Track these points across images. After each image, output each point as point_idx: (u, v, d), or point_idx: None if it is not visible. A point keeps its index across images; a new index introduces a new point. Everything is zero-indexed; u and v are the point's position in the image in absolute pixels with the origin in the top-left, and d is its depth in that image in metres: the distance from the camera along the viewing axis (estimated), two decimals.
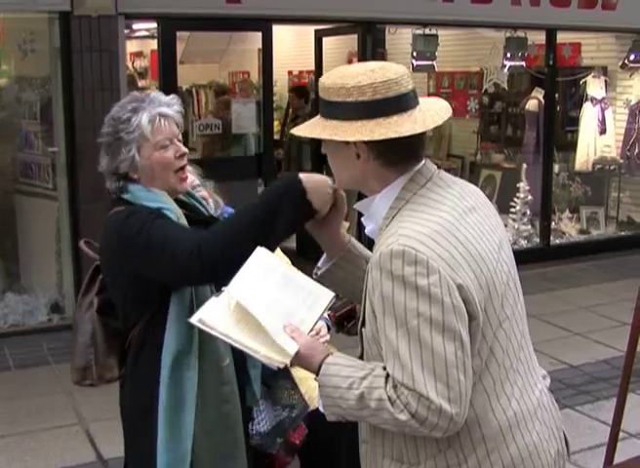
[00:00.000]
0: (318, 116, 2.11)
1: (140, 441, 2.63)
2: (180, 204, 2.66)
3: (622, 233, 10.49)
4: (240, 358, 2.60)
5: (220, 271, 2.31)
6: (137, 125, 2.53)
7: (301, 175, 2.28)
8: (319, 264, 2.35)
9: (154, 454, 2.53)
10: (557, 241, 10.04)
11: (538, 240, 9.80)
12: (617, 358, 5.99)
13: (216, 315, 2.06)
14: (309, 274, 2.31)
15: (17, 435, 5.08)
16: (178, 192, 2.65)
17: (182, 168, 2.62)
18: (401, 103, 2.00)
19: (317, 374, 2.01)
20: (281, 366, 2.02)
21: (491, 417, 1.98)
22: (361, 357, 2.09)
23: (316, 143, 9.62)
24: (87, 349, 2.67)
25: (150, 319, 2.55)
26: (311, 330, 2.13)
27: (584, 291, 8.37)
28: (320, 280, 2.30)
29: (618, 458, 3.93)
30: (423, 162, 2.07)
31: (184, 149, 2.63)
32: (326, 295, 2.18)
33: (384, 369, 1.91)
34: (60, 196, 7.23)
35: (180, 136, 2.65)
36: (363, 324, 2.07)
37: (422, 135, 2.03)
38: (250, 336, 2.03)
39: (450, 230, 1.94)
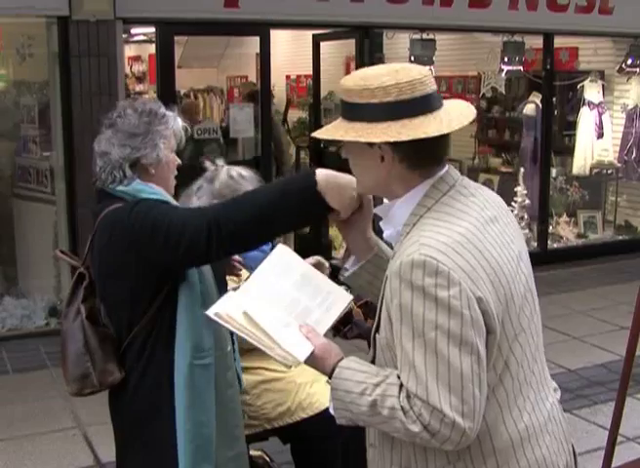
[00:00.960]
0: (340, 119, 2.06)
1: (148, 439, 2.63)
2: None
3: (620, 237, 10.51)
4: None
5: (232, 247, 2.41)
6: (173, 123, 2.68)
7: (320, 175, 2.25)
8: (346, 265, 2.32)
9: (167, 450, 2.54)
10: (555, 245, 10.06)
11: (535, 244, 9.81)
12: (614, 362, 6.00)
13: (232, 309, 2.06)
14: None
15: (14, 439, 5.08)
16: (170, 194, 2.75)
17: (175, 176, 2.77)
18: (426, 104, 1.97)
19: (330, 377, 2.01)
20: (295, 366, 2.02)
21: (502, 430, 1.97)
22: (372, 362, 2.08)
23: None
24: (81, 357, 2.64)
25: (156, 315, 2.54)
26: (327, 331, 2.12)
27: (582, 295, 8.37)
28: (346, 282, 2.29)
29: (615, 462, 3.94)
30: (447, 168, 2.04)
31: (179, 161, 2.77)
32: (344, 298, 2.17)
33: (399, 377, 1.90)
34: (57, 200, 7.23)
35: None
36: (377, 330, 2.05)
37: (447, 137, 2.00)
38: (264, 336, 2.03)
39: (471, 241, 1.92)
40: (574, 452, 2.19)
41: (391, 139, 1.92)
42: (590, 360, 6.40)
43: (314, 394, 3.51)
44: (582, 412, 5.42)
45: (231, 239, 2.33)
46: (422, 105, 1.96)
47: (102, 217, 2.60)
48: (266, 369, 3.52)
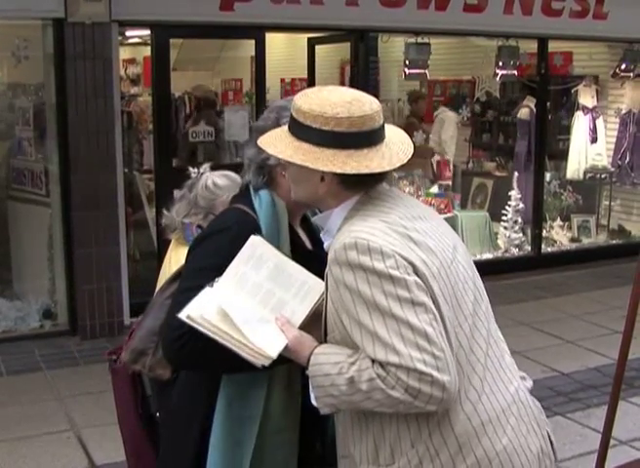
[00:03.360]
0: (287, 131, 2.13)
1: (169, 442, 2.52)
2: (303, 223, 2.53)
3: (614, 241, 10.53)
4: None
5: (185, 364, 2.30)
6: None
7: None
8: None
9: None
10: (548, 249, 10.07)
11: (529, 248, 9.82)
12: (607, 365, 6.01)
13: (203, 311, 2.07)
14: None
15: (8, 441, 5.07)
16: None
17: None
18: (373, 138, 2.08)
19: (307, 367, 2.04)
20: (266, 363, 2.03)
21: (459, 410, 2.00)
22: None
23: None
24: (151, 336, 2.57)
25: None
26: (303, 321, 2.13)
27: (575, 299, 8.39)
28: None
29: (608, 465, 3.95)
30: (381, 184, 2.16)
31: None
32: (319, 286, 2.17)
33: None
34: (52, 203, 7.23)
35: None
36: (326, 334, 2.09)
37: (385, 172, 2.10)
38: (236, 333, 2.04)
39: (398, 227, 2.03)
40: (550, 440, 2.20)
41: (337, 170, 2.03)
42: (584, 363, 6.41)
43: None
44: (576, 416, 5.44)
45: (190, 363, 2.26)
46: (369, 139, 2.07)
47: (222, 211, 2.51)
48: None
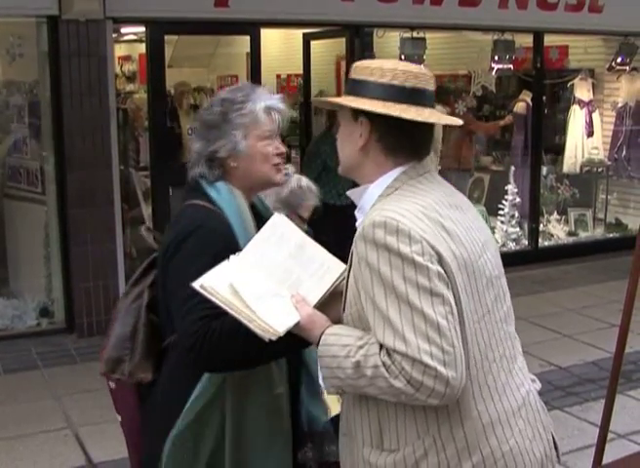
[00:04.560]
0: (344, 95, 2.19)
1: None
2: (252, 209, 2.57)
3: (610, 235, 10.53)
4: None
5: (214, 368, 2.31)
6: (250, 109, 2.46)
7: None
8: None
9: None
10: (545, 243, 10.08)
11: (526, 242, 9.83)
12: (605, 359, 6.02)
13: (217, 282, 2.08)
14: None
15: (5, 439, 5.07)
16: (275, 183, 2.58)
17: (278, 164, 2.55)
18: (414, 96, 2.09)
19: (317, 346, 2.03)
20: (273, 338, 2.02)
21: (472, 407, 1.99)
22: None
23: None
24: (123, 343, 2.50)
25: None
26: (319, 301, 2.12)
27: (573, 293, 8.40)
28: None
29: (606, 459, 3.95)
30: (422, 162, 2.14)
31: (284, 149, 2.57)
32: (338, 267, 2.18)
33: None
34: (48, 200, 7.22)
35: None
36: (344, 308, 2.08)
37: (427, 133, 2.14)
38: (245, 307, 2.04)
39: (432, 213, 2.00)
40: (555, 444, 2.20)
41: (394, 114, 2.04)
42: (581, 357, 6.42)
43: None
44: (574, 410, 5.44)
45: (210, 358, 2.25)
46: (409, 96, 2.09)
47: (180, 210, 2.50)
48: None
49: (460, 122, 2.31)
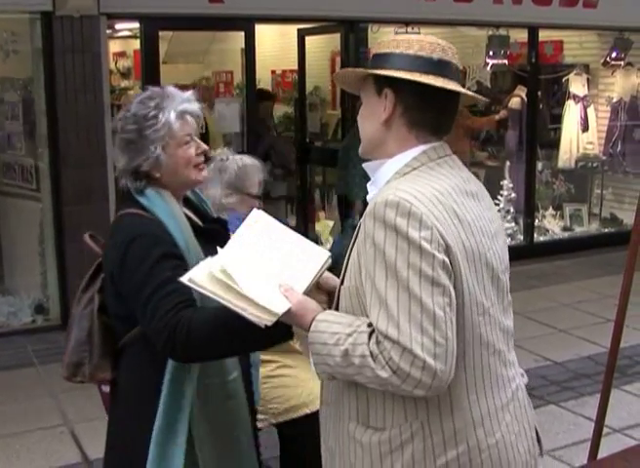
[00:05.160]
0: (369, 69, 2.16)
1: (124, 441, 2.61)
2: (187, 203, 2.69)
3: (605, 230, 10.54)
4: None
5: (192, 358, 2.38)
6: (164, 122, 2.48)
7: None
8: None
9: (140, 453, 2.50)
10: (541, 238, 10.09)
11: (521, 237, 9.84)
12: (600, 354, 6.03)
13: (205, 274, 2.08)
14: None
15: (1, 437, 5.06)
16: (197, 182, 2.64)
17: (200, 164, 2.61)
18: (441, 68, 2.06)
19: (308, 332, 2.02)
20: (269, 323, 2.01)
21: (464, 397, 1.98)
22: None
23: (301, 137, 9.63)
24: (81, 346, 2.57)
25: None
26: (306, 290, 2.12)
27: (568, 288, 8.41)
28: None
29: (602, 453, 3.96)
30: (442, 143, 2.12)
31: (205, 146, 2.61)
32: (321, 255, 2.18)
33: (370, 325, 1.89)
34: (43, 197, 7.21)
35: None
36: (342, 281, 2.07)
37: (450, 110, 2.12)
38: (238, 296, 2.04)
39: (447, 199, 1.97)
40: (539, 440, 2.20)
41: (417, 79, 2.01)
42: (577, 352, 6.43)
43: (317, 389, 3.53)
44: (569, 405, 5.44)
45: (187, 351, 2.31)
46: (436, 67, 2.06)
47: (115, 220, 2.56)
48: (275, 362, 3.54)
49: (482, 98, 2.30)
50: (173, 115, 2.50)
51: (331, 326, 1.96)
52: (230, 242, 2.18)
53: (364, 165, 2.19)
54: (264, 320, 2.01)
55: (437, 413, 1.96)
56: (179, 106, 2.52)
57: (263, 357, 3.45)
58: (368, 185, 2.16)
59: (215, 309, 2.20)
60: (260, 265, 2.14)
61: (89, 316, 2.58)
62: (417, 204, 1.89)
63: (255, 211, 2.26)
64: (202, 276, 2.08)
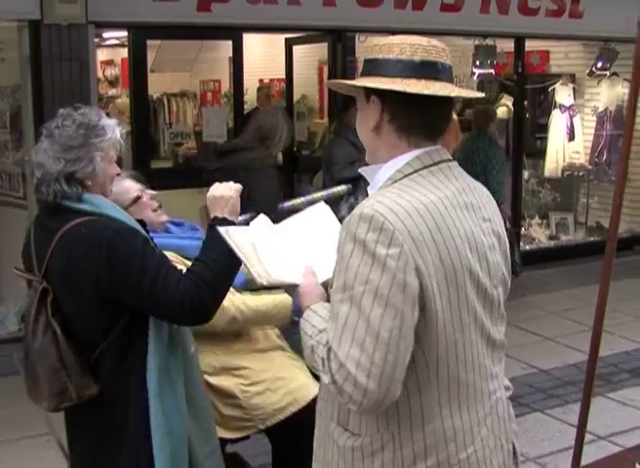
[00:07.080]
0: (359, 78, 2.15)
1: (123, 449, 2.65)
2: None
3: (591, 238, 10.56)
4: None
5: (214, 311, 2.60)
6: (110, 136, 2.64)
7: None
8: None
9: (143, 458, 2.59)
10: (527, 247, 10.11)
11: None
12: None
13: (241, 232, 2.29)
14: None
15: None
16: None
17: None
18: (423, 70, 2.01)
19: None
20: (265, 282, 2.12)
21: (436, 412, 1.96)
22: None
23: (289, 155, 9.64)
24: (56, 374, 2.55)
25: (121, 333, 2.58)
26: (327, 280, 2.13)
27: (554, 296, 8.45)
28: None
29: (588, 460, 3.97)
30: (437, 147, 2.06)
31: (119, 170, 2.77)
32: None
33: None
34: (30, 205, 7.19)
35: None
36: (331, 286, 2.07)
37: (439, 112, 2.04)
38: (255, 257, 2.17)
39: (432, 213, 1.91)
40: (515, 454, 2.17)
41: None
42: (562, 360, 6.45)
43: (300, 387, 3.53)
44: (555, 412, 5.47)
45: (211, 306, 2.59)
46: (418, 70, 2.00)
47: (64, 234, 2.55)
48: (245, 368, 3.54)
49: (479, 94, 2.25)
50: (117, 133, 2.68)
51: (314, 317, 2.01)
52: (284, 223, 2.36)
53: (361, 169, 2.17)
54: (263, 278, 2.12)
55: (408, 426, 1.96)
56: (118, 129, 2.69)
57: (234, 364, 3.47)
58: (368, 189, 2.14)
59: (198, 267, 2.53)
60: (299, 249, 2.25)
61: (52, 343, 2.55)
62: (391, 218, 1.85)
63: (321, 204, 2.43)
64: (238, 231, 2.28)
